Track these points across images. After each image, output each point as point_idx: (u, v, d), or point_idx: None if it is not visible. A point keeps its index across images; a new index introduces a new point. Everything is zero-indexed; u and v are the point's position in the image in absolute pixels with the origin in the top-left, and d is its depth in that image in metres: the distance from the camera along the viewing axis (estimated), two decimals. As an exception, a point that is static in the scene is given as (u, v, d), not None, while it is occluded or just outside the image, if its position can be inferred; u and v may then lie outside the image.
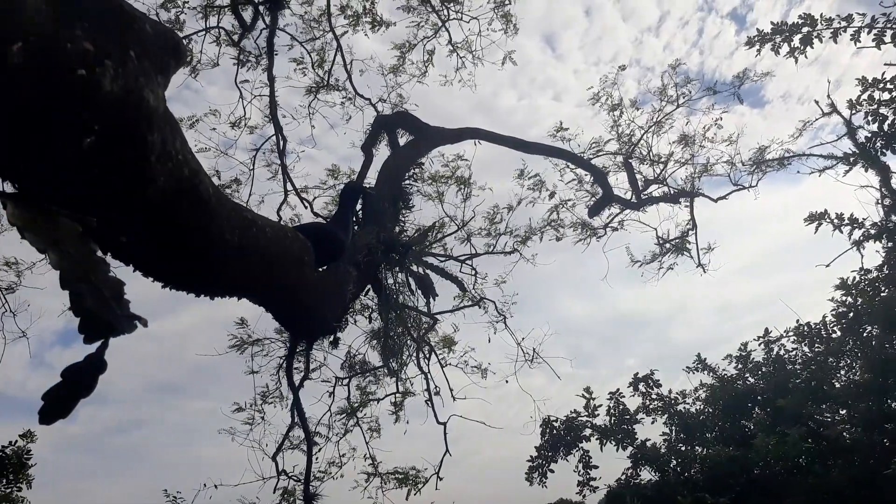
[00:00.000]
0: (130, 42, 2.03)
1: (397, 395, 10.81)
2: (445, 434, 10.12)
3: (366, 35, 11.32)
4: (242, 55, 10.52)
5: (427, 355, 10.69)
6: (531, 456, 9.43)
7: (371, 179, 8.80)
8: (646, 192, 12.36)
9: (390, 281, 7.86)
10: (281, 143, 10.63)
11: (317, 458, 9.31)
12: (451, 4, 11.11)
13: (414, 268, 8.27)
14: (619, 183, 12.19)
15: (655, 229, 12.59)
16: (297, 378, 8.89)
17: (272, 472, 9.00)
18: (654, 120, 12.28)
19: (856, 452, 8.54)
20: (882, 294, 9.10)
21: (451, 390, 10.66)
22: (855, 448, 8.56)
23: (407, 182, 8.51)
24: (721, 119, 12.16)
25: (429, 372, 10.60)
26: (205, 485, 8.67)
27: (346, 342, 10.33)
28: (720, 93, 12.18)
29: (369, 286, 7.27)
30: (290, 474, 8.87)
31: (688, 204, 12.50)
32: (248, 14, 10.23)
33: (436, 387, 10.61)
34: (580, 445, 9.39)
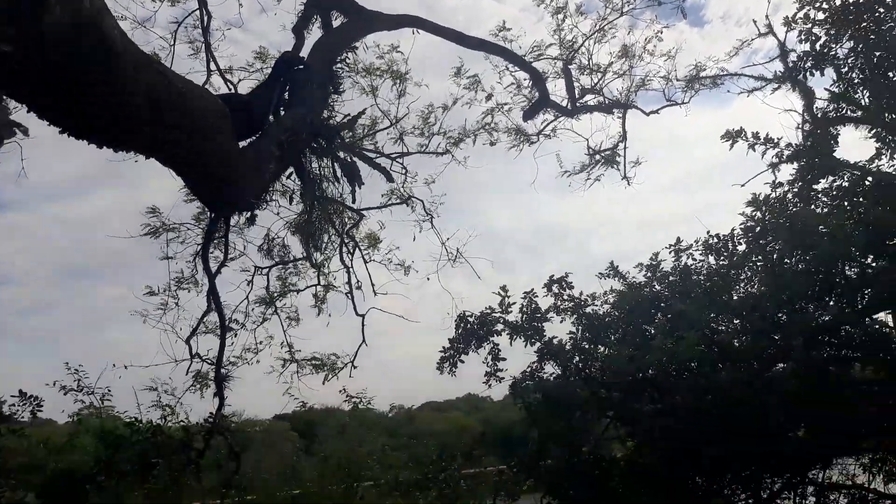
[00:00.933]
0: None
1: (319, 286, 10.86)
2: (363, 325, 10.36)
3: None
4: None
5: (350, 250, 10.71)
6: (443, 347, 9.78)
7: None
8: (581, 101, 12.42)
9: (314, 166, 7.68)
10: (205, 18, 9.91)
11: (231, 344, 9.36)
12: None
13: (341, 155, 8.09)
14: (557, 90, 12.19)
15: (587, 140, 12.79)
16: (214, 265, 8.74)
17: (185, 356, 8.99)
18: (598, 27, 12.17)
19: (743, 357, 9.27)
20: (790, 210, 9.60)
21: (373, 285, 10.82)
22: (743, 354, 9.28)
23: (339, 66, 8.17)
24: (662, 32, 12.22)
25: (351, 266, 10.67)
26: (114, 365, 8.59)
27: (264, 224, 10.18)
28: (665, 4, 12.18)
29: (292, 169, 7.08)
30: (203, 357, 8.90)
31: (620, 115, 12.68)
32: None
33: (357, 281, 10.72)
34: (491, 339, 9.78)
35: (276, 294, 10.53)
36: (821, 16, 9.00)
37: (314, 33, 9.31)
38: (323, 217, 9.50)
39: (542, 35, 19.26)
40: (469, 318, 9.67)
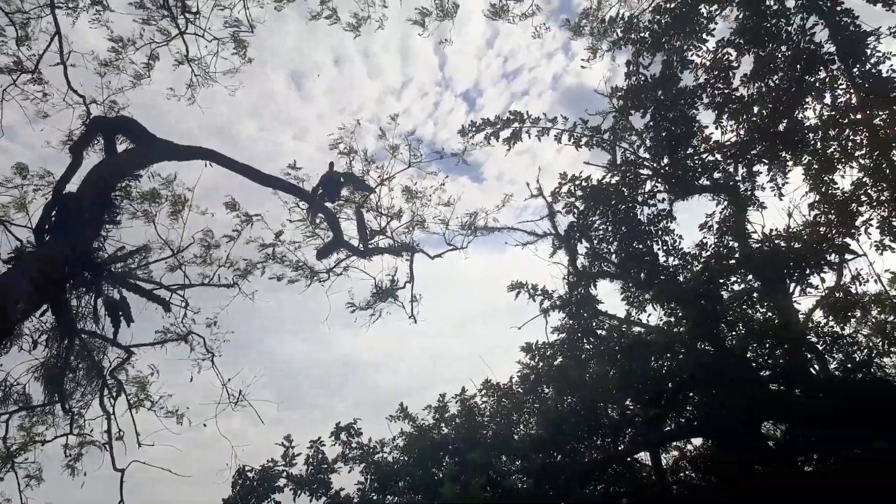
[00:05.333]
0: None
1: (71, 435, 9.35)
2: (122, 483, 8.96)
3: (99, 20, 9.99)
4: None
5: (114, 394, 9.45)
6: (217, 509, 8.77)
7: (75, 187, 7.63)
8: (372, 242, 12.77)
9: (74, 303, 6.70)
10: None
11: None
12: (191, 16, 10.32)
13: (108, 290, 7.20)
14: (346, 230, 12.40)
15: (374, 278, 13.03)
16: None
17: None
18: (388, 175, 12.84)
19: (527, 500, 9.48)
20: (559, 360, 10.47)
21: (138, 435, 9.50)
22: (527, 496, 9.50)
23: (118, 193, 7.49)
24: (445, 182, 13.21)
25: (113, 413, 9.36)
26: None
27: (3, 369, 8.67)
28: (448, 157, 13.25)
29: (47, 306, 6.14)
30: None
31: (409, 258, 13.20)
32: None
33: (119, 430, 9.43)
34: (272, 497, 9.01)
35: (13, 447, 8.86)
36: (580, 192, 10.55)
37: (92, 153, 8.61)
38: (81, 356, 8.34)
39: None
40: (249, 474, 8.82)
